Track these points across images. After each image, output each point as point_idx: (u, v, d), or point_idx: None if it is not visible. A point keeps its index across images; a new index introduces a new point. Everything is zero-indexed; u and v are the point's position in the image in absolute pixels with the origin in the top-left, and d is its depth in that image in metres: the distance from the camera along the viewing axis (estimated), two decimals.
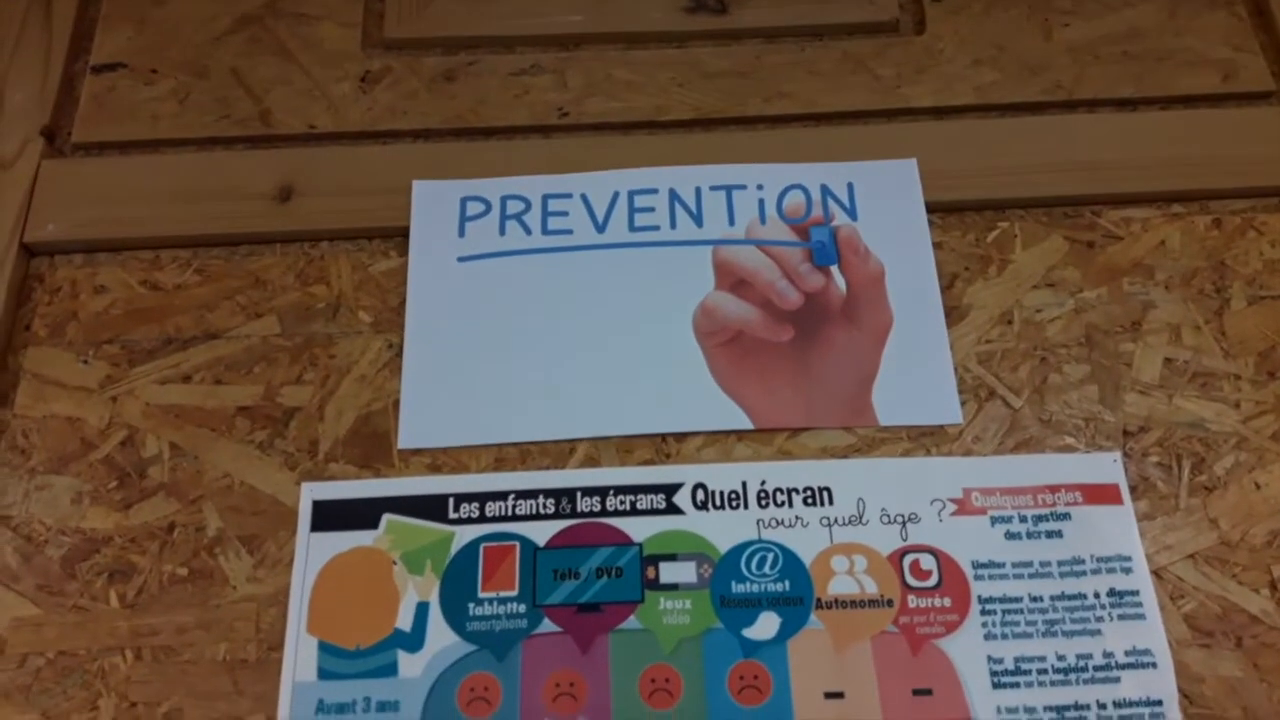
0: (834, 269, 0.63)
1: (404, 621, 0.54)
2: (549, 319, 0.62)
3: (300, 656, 0.53)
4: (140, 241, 0.64)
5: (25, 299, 0.63)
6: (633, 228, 0.65)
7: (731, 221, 0.64)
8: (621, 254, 0.64)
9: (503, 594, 0.54)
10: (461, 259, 0.64)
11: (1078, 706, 0.51)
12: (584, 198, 0.66)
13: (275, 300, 0.62)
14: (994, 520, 0.55)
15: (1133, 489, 0.57)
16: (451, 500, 0.57)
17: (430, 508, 0.57)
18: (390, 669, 0.53)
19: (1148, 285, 0.62)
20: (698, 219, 0.65)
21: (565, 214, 0.65)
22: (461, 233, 0.65)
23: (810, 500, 0.57)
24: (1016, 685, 0.52)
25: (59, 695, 0.52)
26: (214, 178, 0.65)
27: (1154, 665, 0.52)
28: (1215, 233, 0.64)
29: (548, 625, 0.54)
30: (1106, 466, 0.57)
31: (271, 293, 0.63)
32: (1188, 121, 0.67)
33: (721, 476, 0.57)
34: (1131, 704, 0.51)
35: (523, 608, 0.54)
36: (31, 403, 0.60)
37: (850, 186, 0.65)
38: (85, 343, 0.61)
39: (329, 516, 0.56)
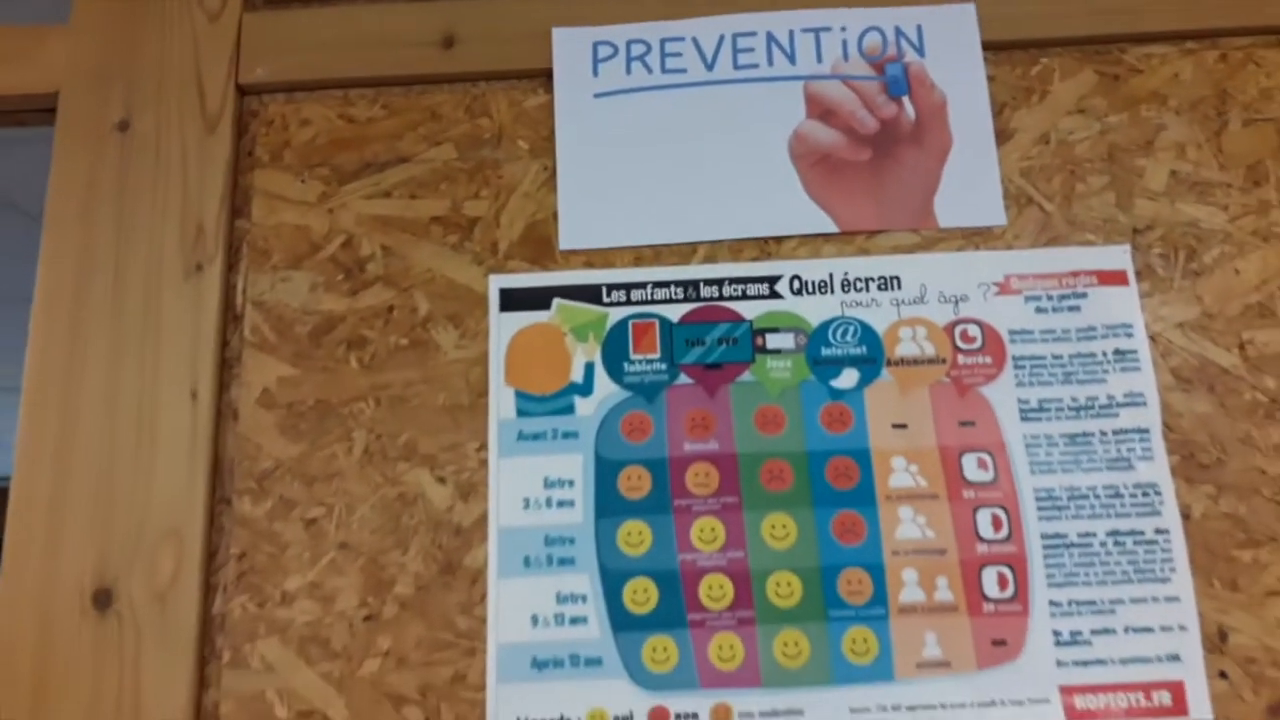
0: (905, 99, 0.76)
1: (576, 375, 0.71)
2: (671, 144, 0.76)
3: (502, 401, 0.70)
4: (333, 82, 0.78)
5: (244, 130, 0.78)
6: (736, 66, 0.78)
7: (820, 59, 0.78)
8: (727, 89, 0.78)
9: (649, 356, 0.72)
10: (597, 95, 0.78)
11: (1085, 434, 0.69)
12: (694, 40, 0.79)
13: (450, 131, 0.77)
14: (1027, 298, 0.72)
15: (1138, 274, 0.72)
16: (604, 288, 0.73)
17: (588, 294, 0.73)
18: (569, 409, 0.70)
19: (1161, 111, 0.76)
20: (791, 57, 0.78)
21: (680, 55, 0.79)
22: (595, 72, 0.78)
23: (883, 286, 0.73)
24: (1039, 419, 0.69)
25: (322, 432, 0.70)
26: (389, 28, 0.79)
27: (1144, 404, 0.69)
28: (1221, 65, 0.77)
29: (683, 379, 0.71)
30: (1118, 256, 0.72)
31: (446, 125, 0.77)
32: None
33: (812, 269, 0.73)
34: (1125, 431, 0.69)
35: (664, 366, 0.71)
36: (265, 214, 0.76)
37: (919, 28, 0.78)
38: (300, 166, 0.77)
39: (512, 300, 0.73)
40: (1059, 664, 0.65)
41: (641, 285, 0.73)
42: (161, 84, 0.76)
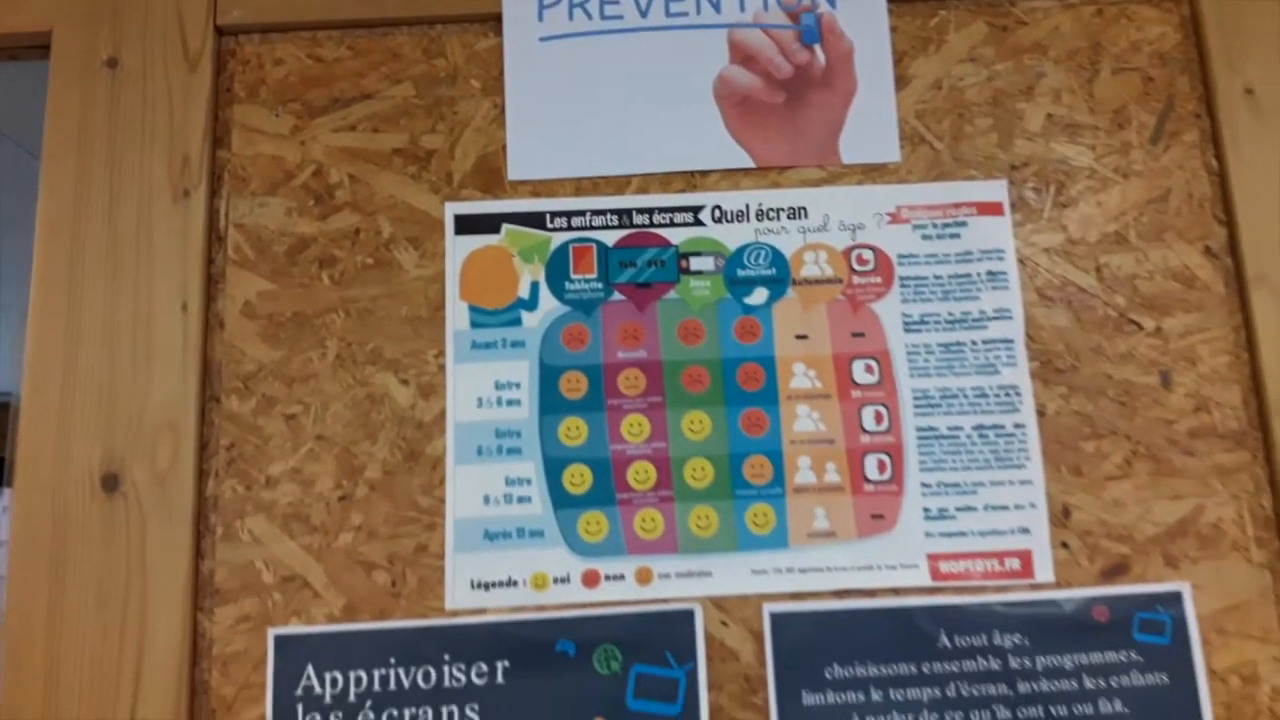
0: (817, 47, 0.86)
1: (523, 292, 0.81)
2: (609, 84, 0.85)
3: (457, 314, 0.81)
4: (303, 24, 0.86)
5: (222, 68, 0.86)
6: (668, 14, 0.87)
7: (742, 8, 0.87)
8: (659, 35, 0.87)
9: (587, 276, 0.82)
10: (542, 39, 0.86)
11: (958, 344, 0.80)
12: None
13: (409, 70, 0.86)
14: (914, 227, 0.82)
15: (1012, 205, 0.83)
16: (548, 215, 0.83)
17: (533, 220, 0.83)
18: (517, 321, 0.81)
19: (1042, 60, 0.86)
20: (716, 6, 0.87)
21: (617, 3, 0.87)
22: (540, 18, 0.87)
23: (791, 216, 0.83)
24: (920, 330, 0.80)
25: (298, 339, 0.80)
26: None
27: (1011, 318, 0.81)
28: (1097, 20, 0.87)
29: (617, 296, 0.81)
30: (996, 190, 0.83)
31: (405, 64, 0.86)
32: None
33: (731, 200, 0.83)
34: (993, 341, 0.80)
35: (600, 284, 0.82)
36: (243, 145, 0.84)
37: None
38: (274, 101, 0.85)
39: (465, 225, 0.82)
40: (927, 535, 0.77)
41: (581, 213, 0.83)
42: (146, 24, 0.84)
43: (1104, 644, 0.75)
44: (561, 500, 0.78)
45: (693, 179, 0.84)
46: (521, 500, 0.78)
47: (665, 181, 0.84)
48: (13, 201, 2.11)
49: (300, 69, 0.86)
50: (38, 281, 0.80)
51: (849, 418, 0.79)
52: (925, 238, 0.82)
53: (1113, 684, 0.75)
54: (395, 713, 0.73)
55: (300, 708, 0.73)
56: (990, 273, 0.82)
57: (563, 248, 0.82)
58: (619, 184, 0.84)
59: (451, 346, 0.80)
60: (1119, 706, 0.75)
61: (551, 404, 0.79)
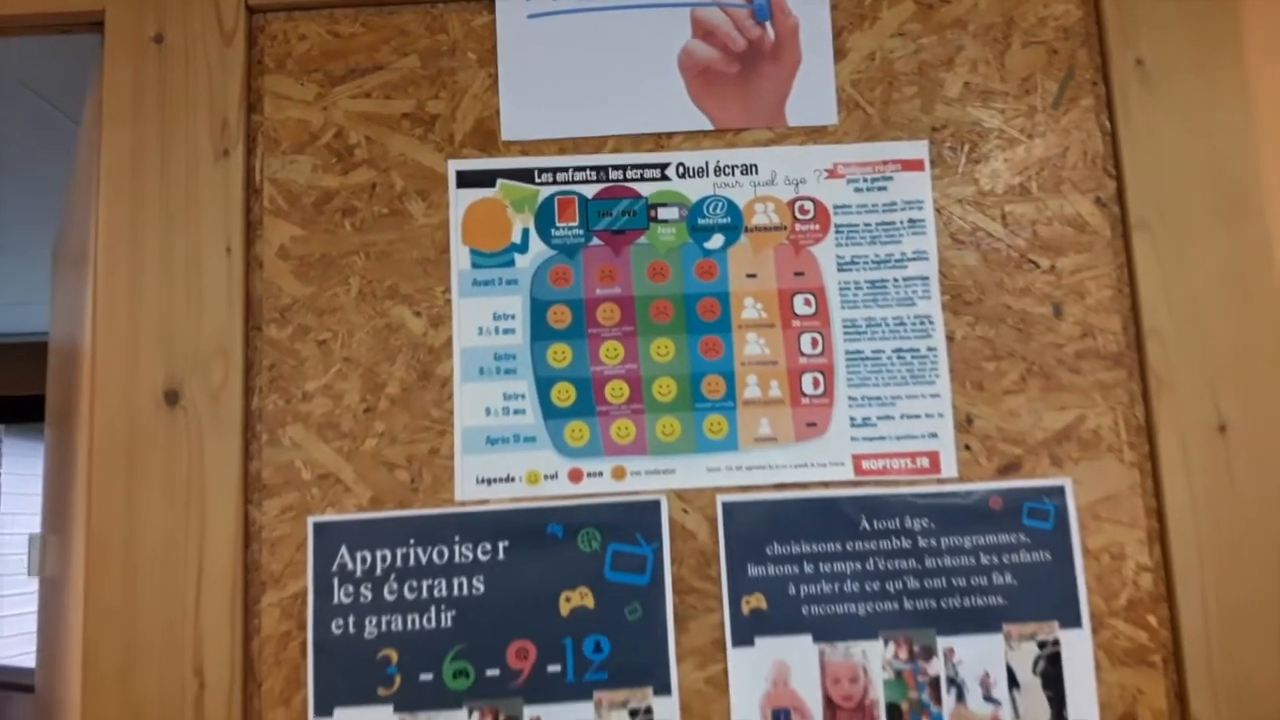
0: (767, 23, 0.99)
1: (516, 238, 0.96)
2: (589, 56, 0.99)
3: (460, 256, 0.95)
4: (323, 3, 0.99)
5: (254, 43, 0.99)
6: None
7: None
8: (632, 13, 1.00)
9: (570, 224, 0.96)
10: (530, 16, 1.00)
11: (882, 280, 0.95)
12: None
13: (415, 44, 0.99)
14: (848, 181, 0.97)
15: (932, 162, 0.97)
16: (536, 171, 0.97)
17: (524, 175, 0.97)
18: (510, 263, 0.95)
19: (961, 34, 1.00)
20: None
21: None
22: None
23: (744, 172, 0.97)
24: (851, 270, 0.95)
25: (326, 277, 0.95)
26: None
27: (927, 258, 0.96)
28: None
29: (596, 241, 0.96)
30: (918, 149, 0.97)
31: (411, 39, 0.99)
32: None
33: (693, 158, 0.98)
34: (911, 278, 0.95)
35: (581, 231, 0.96)
36: (274, 111, 0.98)
37: None
38: (300, 72, 0.98)
39: (465, 179, 0.97)
40: (853, 439, 0.93)
41: (564, 169, 0.97)
42: (187, 4, 0.97)
43: (998, 528, 0.92)
44: (550, 412, 0.93)
45: (660, 140, 0.98)
46: (517, 412, 0.93)
47: (636, 142, 0.98)
48: (15, 149, 2.21)
49: (321, 43, 0.99)
50: (104, 230, 0.94)
51: (790, 343, 0.94)
52: (857, 190, 0.97)
53: (1004, 560, 0.91)
54: (414, 583, 0.89)
55: (335, 580, 0.89)
56: (911, 220, 0.96)
57: (549, 199, 0.97)
58: (597, 144, 0.98)
59: (456, 284, 0.95)
60: (1009, 579, 0.91)
61: (541, 332, 0.95)
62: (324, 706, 0.87)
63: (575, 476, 0.92)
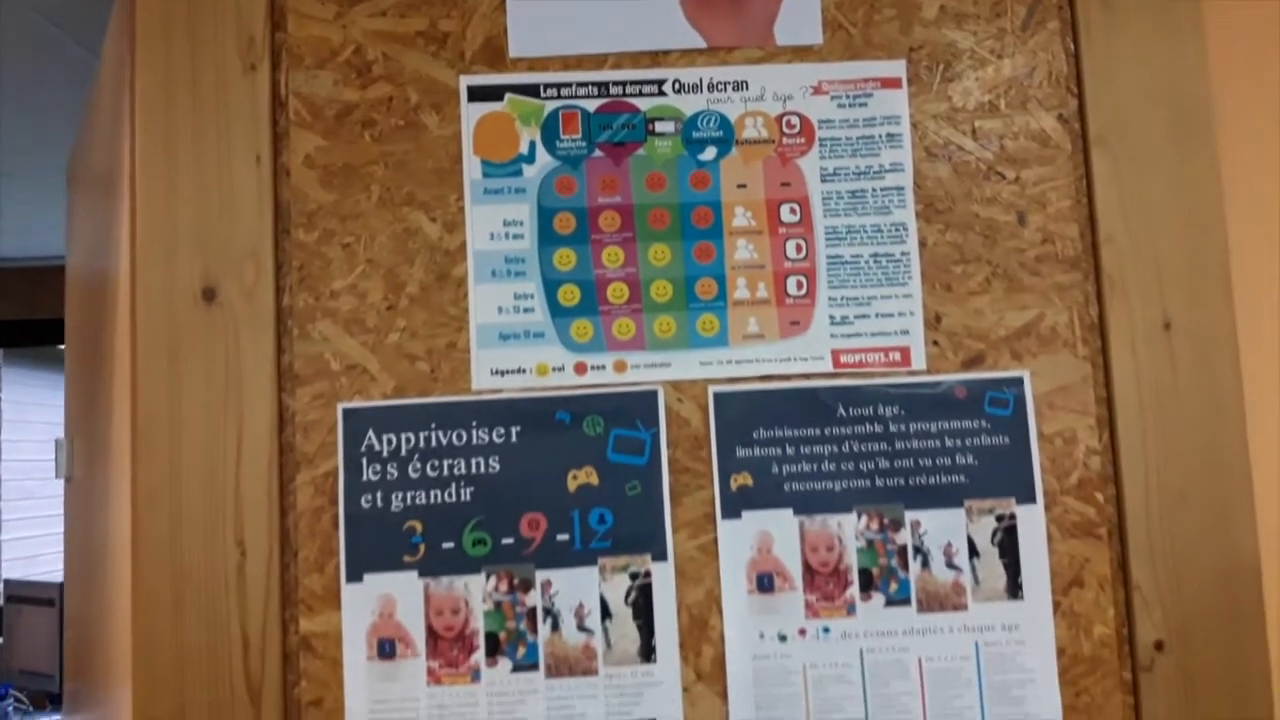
0: None
1: (523, 149, 1.03)
2: None
3: (471, 166, 1.03)
4: None
5: None
6: None
7: None
8: None
9: (573, 136, 1.04)
10: None
11: (861, 190, 1.04)
12: None
13: None
14: (832, 97, 1.05)
15: (909, 80, 1.05)
16: (541, 86, 1.04)
17: (530, 90, 1.04)
18: (519, 172, 1.03)
19: None
20: None
21: None
22: None
23: (736, 88, 1.05)
24: (833, 180, 1.04)
25: (348, 185, 1.02)
26: None
27: (903, 170, 1.04)
28: None
29: (598, 153, 1.04)
30: (896, 68, 1.05)
31: None
32: None
33: (688, 74, 1.05)
34: (888, 189, 1.04)
35: (584, 143, 1.04)
36: (297, 29, 1.04)
37: None
38: None
39: (476, 94, 1.04)
40: (832, 335, 1.02)
41: (568, 84, 1.05)
42: None
43: (961, 415, 1.02)
44: (557, 311, 1.02)
45: (657, 57, 1.05)
46: (526, 311, 1.02)
47: (635, 59, 1.05)
48: (16, 73, 2.24)
49: None
50: (141, 143, 1.01)
51: (776, 249, 1.03)
52: (840, 106, 1.05)
53: (967, 443, 1.01)
54: (436, 463, 0.98)
55: (364, 460, 0.98)
56: (889, 135, 1.04)
57: (554, 113, 1.04)
58: (598, 61, 1.05)
59: (468, 192, 1.03)
60: (971, 460, 1.01)
61: (547, 238, 1.03)
62: (355, 572, 0.97)
63: (580, 369, 1.01)
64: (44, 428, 5.57)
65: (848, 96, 1.05)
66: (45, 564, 5.12)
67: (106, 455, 1.22)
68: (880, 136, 1.04)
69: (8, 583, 3.57)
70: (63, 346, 5.58)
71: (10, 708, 3.36)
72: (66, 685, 1.69)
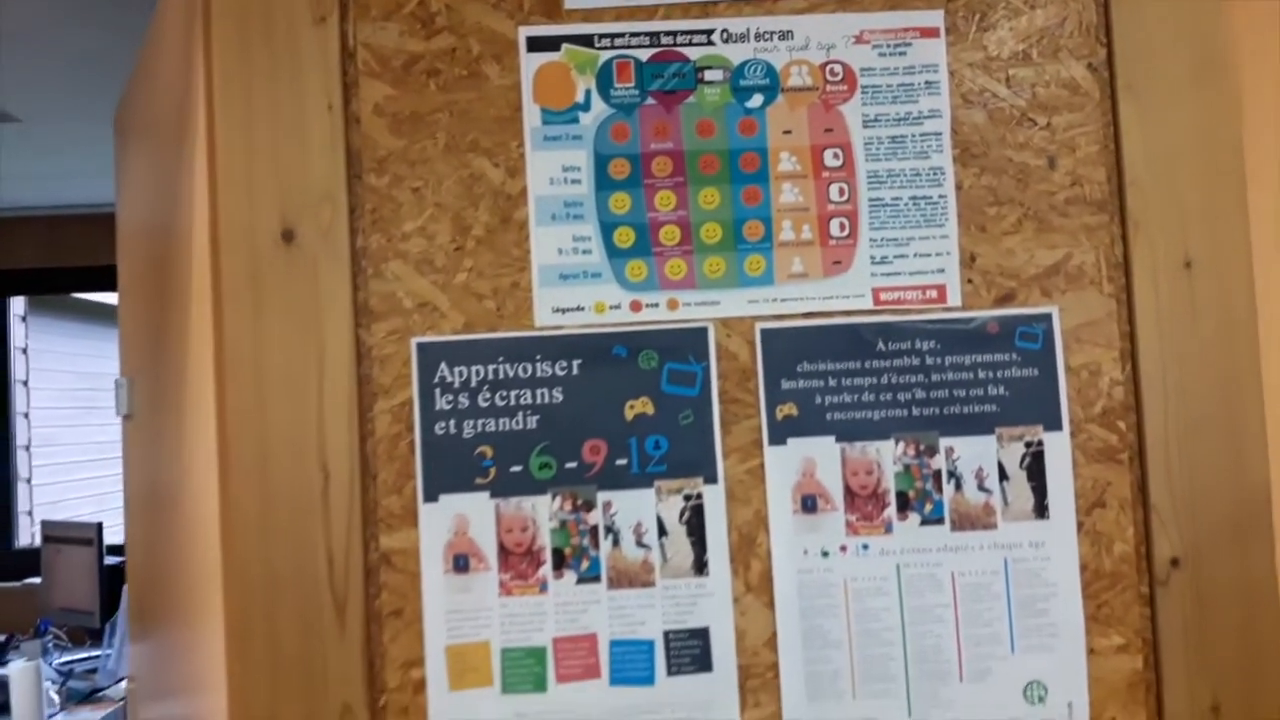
0: None
1: (579, 98, 1.09)
2: None
3: (531, 114, 1.08)
4: None
5: None
6: None
7: None
8: None
9: (627, 85, 1.09)
10: None
11: (901, 136, 1.09)
12: None
13: None
14: (873, 46, 1.10)
15: (947, 30, 1.10)
16: (596, 36, 1.10)
17: (586, 40, 1.10)
18: (575, 120, 1.09)
19: None
20: None
21: None
22: None
23: (782, 37, 1.10)
24: (874, 126, 1.09)
25: (416, 132, 1.08)
26: None
27: (940, 116, 1.09)
28: None
29: (650, 101, 1.09)
30: (935, 18, 1.10)
31: None
32: None
33: (736, 25, 1.10)
34: (926, 134, 1.09)
35: (637, 92, 1.09)
36: None
37: None
38: None
39: (534, 45, 1.09)
40: (873, 274, 1.09)
41: (621, 35, 1.10)
42: None
43: (994, 348, 1.09)
44: (613, 252, 1.08)
45: (706, 8, 1.10)
46: (584, 252, 1.08)
47: (685, 10, 1.10)
48: (43, 18, 2.26)
49: None
50: (220, 95, 1.06)
51: (820, 192, 1.09)
52: (881, 55, 1.10)
53: (998, 375, 1.08)
54: (504, 393, 1.06)
55: (437, 390, 1.06)
56: (927, 82, 1.10)
57: (608, 63, 1.10)
58: (649, 11, 1.10)
59: (528, 139, 1.09)
60: (1002, 390, 1.08)
61: (603, 183, 1.09)
62: (431, 494, 1.05)
63: (635, 307, 1.08)
64: (64, 376, 5.66)
65: (888, 45, 1.10)
66: (68, 509, 5.24)
67: (180, 390, 1.30)
68: (919, 84, 1.10)
69: (45, 523, 3.68)
70: (84, 295, 5.63)
71: (50, 643, 3.48)
72: (130, 614, 1.79)
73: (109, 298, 5.57)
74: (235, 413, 1.05)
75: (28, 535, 4.30)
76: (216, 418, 1.07)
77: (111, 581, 3.45)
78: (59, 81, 2.68)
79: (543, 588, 1.04)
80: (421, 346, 1.06)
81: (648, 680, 1.04)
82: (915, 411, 1.08)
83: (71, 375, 5.68)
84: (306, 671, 1.03)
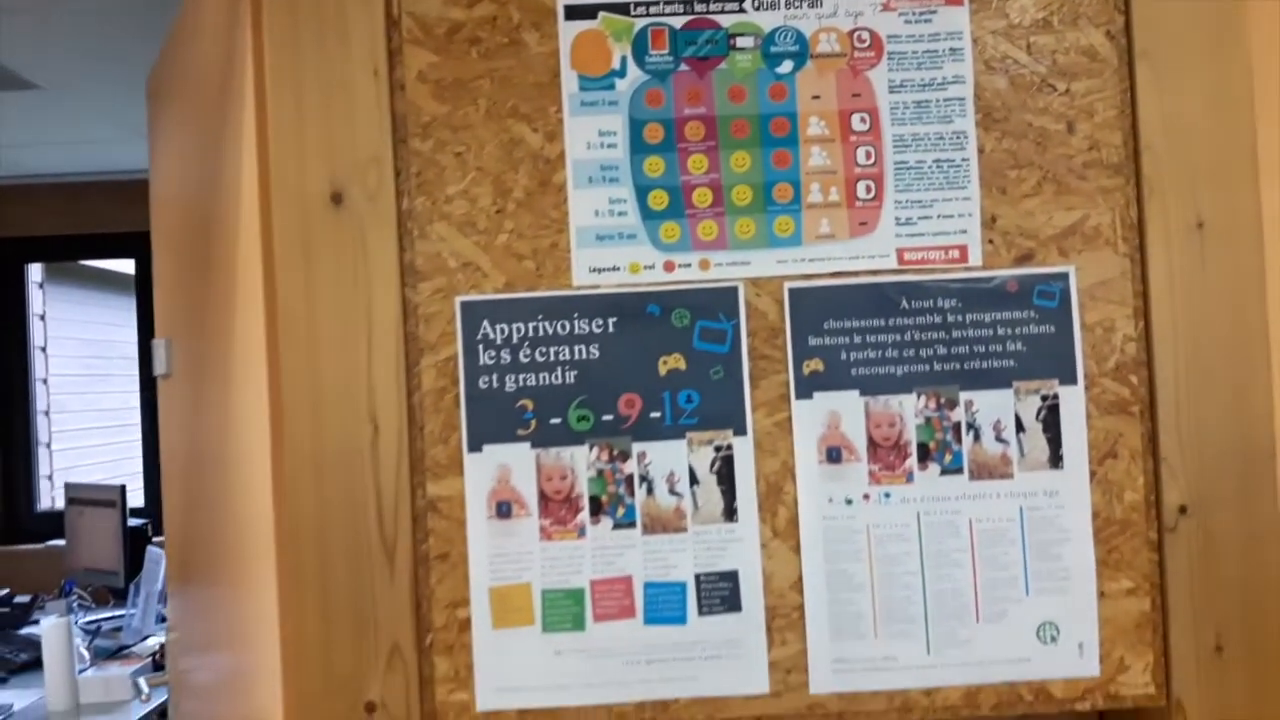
0: None
1: (615, 64, 1.13)
2: None
3: (568, 80, 1.12)
4: None
5: None
6: None
7: None
8: None
9: (661, 52, 1.13)
10: None
11: (925, 101, 1.13)
12: None
13: None
14: (900, 13, 1.14)
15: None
16: (631, 4, 1.13)
17: (621, 9, 1.13)
18: (611, 86, 1.13)
19: None
20: None
21: None
22: None
23: (810, 5, 1.14)
24: (900, 92, 1.13)
25: (458, 98, 1.12)
26: None
27: (964, 81, 1.13)
28: None
29: (683, 67, 1.13)
30: None
31: None
32: None
33: None
34: (950, 99, 1.13)
35: (671, 58, 1.13)
36: None
37: None
38: None
39: (572, 13, 1.13)
40: (897, 235, 1.13)
41: (656, 3, 1.14)
42: None
43: (1013, 306, 1.13)
44: (647, 214, 1.13)
45: None
46: (620, 214, 1.13)
47: None
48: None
49: None
50: (271, 61, 1.11)
51: (847, 155, 1.13)
52: (907, 22, 1.14)
53: (1016, 332, 1.13)
54: (544, 349, 1.11)
55: (480, 347, 1.11)
56: (951, 49, 1.14)
57: (643, 30, 1.14)
58: None
59: (566, 104, 1.13)
60: (1020, 346, 1.13)
61: (638, 147, 1.13)
62: (475, 444, 1.10)
63: (669, 267, 1.13)
64: (76, 344, 5.72)
65: (914, 13, 1.14)
66: (83, 473, 5.32)
67: (226, 349, 1.35)
68: (943, 51, 1.14)
69: (69, 486, 3.76)
70: (96, 263, 5.66)
71: (75, 602, 3.57)
72: (169, 569, 1.85)
73: (121, 265, 5.61)
74: (288, 370, 1.10)
75: (48, 499, 4.38)
76: (269, 375, 1.12)
77: (134, 542, 3.52)
78: (79, 49, 2.71)
79: (581, 533, 1.10)
80: (465, 305, 1.11)
81: (680, 620, 1.10)
82: (936, 366, 1.13)
83: (82, 343, 5.73)
84: (357, 614, 1.09)
